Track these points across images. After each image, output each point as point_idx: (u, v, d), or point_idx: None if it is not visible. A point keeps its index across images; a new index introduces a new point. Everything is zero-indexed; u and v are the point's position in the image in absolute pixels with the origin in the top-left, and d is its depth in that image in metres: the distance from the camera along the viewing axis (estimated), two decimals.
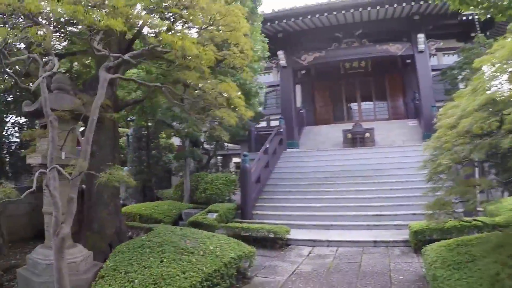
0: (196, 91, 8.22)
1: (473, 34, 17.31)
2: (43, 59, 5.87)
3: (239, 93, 8.16)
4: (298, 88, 23.00)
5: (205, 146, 19.40)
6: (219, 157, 25.10)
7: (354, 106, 23.75)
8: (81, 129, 9.49)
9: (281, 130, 18.29)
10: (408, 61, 20.22)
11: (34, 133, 7.61)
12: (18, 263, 7.86)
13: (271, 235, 10.46)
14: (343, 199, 12.95)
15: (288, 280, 7.46)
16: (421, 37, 17.95)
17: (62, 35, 9.43)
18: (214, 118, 8.64)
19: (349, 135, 18.80)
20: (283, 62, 19.56)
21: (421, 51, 18.24)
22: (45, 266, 6.31)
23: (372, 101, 23.21)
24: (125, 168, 20.52)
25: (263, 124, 21.59)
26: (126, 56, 6.64)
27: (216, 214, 12.55)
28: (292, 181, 15.08)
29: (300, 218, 12.38)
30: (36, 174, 4.90)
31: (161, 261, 6.41)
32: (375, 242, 10.00)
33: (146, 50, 7.24)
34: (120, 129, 23.60)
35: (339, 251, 9.63)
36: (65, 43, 10.67)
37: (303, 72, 23.50)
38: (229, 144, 22.16)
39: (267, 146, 16.11)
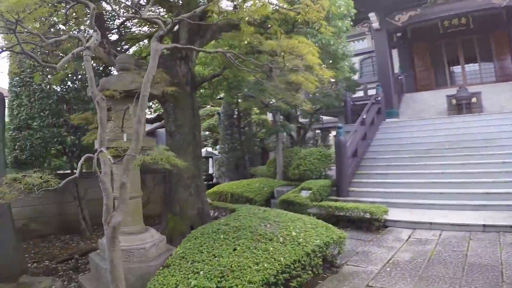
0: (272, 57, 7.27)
1: None
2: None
3: (319, 55, 7.02)
4: (394, 52, 21.06)
5: (301, 120, 18.34)
6: (317, 131, 24.19)
7: (456, 69, 21.48)
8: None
9: (379, 98, 16.87)
10: None
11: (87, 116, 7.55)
12: (97, 247, 7.58)
13: (367, 216, 9.35)
14: (447, 174, 11.48)
15: (381, 271, 6.34)
16: None
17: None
18: (290, 84, 7.60)
19: (454, 101, 16.94)
20: (375, 24, 17.85)
21: None
22: None
23: (477, 62, 20.73)
24: (217, 146, 20.28)
25: (360, 94, 20.09)
26: (185, 16, 5.86)
27: (309, 191, 11.70)
28: (391, 154, 13.75)
29: (399, 196, 11.16)
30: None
31: (234, 249, 5.64)
32: (484, 226, 8.42)
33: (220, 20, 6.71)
34: (212, 108, 23.49)
35: (443, 236, 8.24)
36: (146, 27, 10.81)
37: (399, 34, 21.46)
38: (326, 117, 21.20)
39: (364, 117, 14.83)
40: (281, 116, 16.40)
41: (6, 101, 10.08)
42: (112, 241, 4.24)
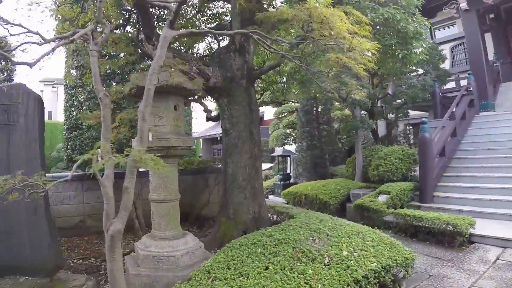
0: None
1: None
2: None
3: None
4: (488, 37, 18.47)
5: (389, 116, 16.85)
6: (409, 127, 22.51)
7: None
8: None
9: (470, 88, 14.96)
10: None
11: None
12: None
13: (450, 228, 7.98)
14: None
15: None
16: None
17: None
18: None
19: None
20: (463, 4, 15.68)
21: None
22: (143, 257, 5.95)
23: None
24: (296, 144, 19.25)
25: (452, 85, 18.13)
26: None
27: (387, 196, 10.53)
28: (485, 154, 12.00)
29: (493, 205, 9.56)
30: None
31: (266, 268, 4.77)
32: None
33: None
34: (292, 104, 22.52)
35: None
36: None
37: (491, 16, 19.00)
38: (418, 112, 19.61)
39: (453, 110, 13.17)
40: (363, 112, 15.16)
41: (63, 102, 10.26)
42: (111, 250, 3.92)
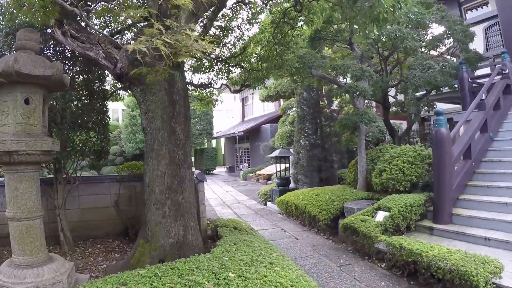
0: None
1: None
2: None
3: None
4: None
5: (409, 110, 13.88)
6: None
7: None
8: None
9: (506, 71, 11.75)
10: None
11: None
12: None
13: (459, 279, 5.11)
14: None
15: None
16: None
17: None
18: None
19: None
20: None
21: None
22: None
23: None
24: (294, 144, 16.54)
25: (486, 71, 14.82)
26: None
27: (387, 213, 7.89)
28: None
29: None
30: None
31: None
32: None
33: None
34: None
35: None
36: None
37: None
38: (450, 106, 16.97)
39: (483, 97, 10.17)
40: (371, 102, 12.41)
41: None
42: None
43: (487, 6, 17.66)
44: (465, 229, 7.37)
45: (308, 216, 10.47)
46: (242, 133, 29.66)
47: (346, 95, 12.67)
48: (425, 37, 12.74)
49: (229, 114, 51.25)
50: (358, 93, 10.80)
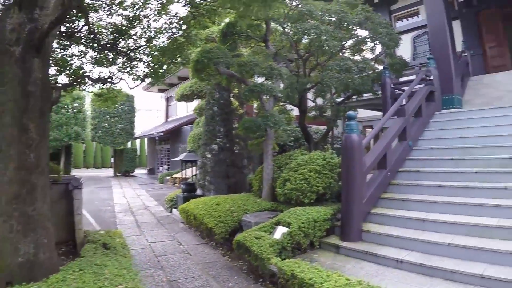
0: None
1: None
2: None
3: None
4: (456, 25, 16.09)
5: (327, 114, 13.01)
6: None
7: None
8: None
9: (431, 77, 11.25)
10: None
11: None
12: None
13: None
14: None
15: None
16: None
17: None
18: None
19: None
20: None
21: None
22: None
23: None
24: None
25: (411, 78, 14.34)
26: None
27: (286, 229, 6.78)
28: (446, 166, 8.25)
29: (453, 253, 5.77)
30: None
31: None
32: None
33: None
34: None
35: None
36: None
37: (461, 0, 16.60)
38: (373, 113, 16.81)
39: (403, 103, 9.39)
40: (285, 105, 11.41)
41: None
42: None
43: (418, 17, 17.97)
44: (376, 248, 6.43)
45: (205, 228, 9.22)
46: (162, 133, 28.15)
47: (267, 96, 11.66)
48: (348, 39, 12.07)
49: (158, 114, 49.65)
50: (265, 93, 9.71)
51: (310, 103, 12.85)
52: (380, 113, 15.41)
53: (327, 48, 9.99)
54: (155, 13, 8.96)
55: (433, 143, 9.45)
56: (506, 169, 7.30)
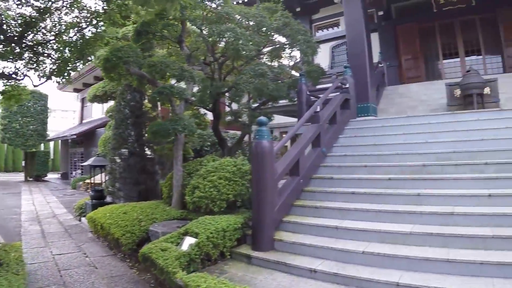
0: None
1: None
2: None
3: None
4: (374, 37, 16.62)
5: (243, 119, 12.79)
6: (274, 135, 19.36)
7: (454, 56, 17.02)
8: None
9: (347, 85, 11.35)
10: None
11: None
12: None
13: None
14: (462, 217, 6.03)
15: None
16: None
17: None
18: None
19: (458, 92, 11.77)
20: None
21: None
22: None
23: (480, 47, 16.32)
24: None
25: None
26: None
27: (194, 240, 6.37)
28: (359, 173, 8.24)
29: (367, 261, 5.66)
30: None
31: None
32: None
33: None
34: None
35: None
36: None
37: (381, 13, 17.64)
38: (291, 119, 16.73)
39: (317, 110, 9.25)
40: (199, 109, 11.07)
41: None
42: None
43: (338, 27, 18.60)
44: (289, 257, 6.19)
45: (112, 238, 8.61)
46: (75, 136, 26.58)
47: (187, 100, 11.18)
48: (266, 44, 11.90)
49: (75, 115, 47.28)
50: (175, 96, 9.29)
51: (228, 108, 12.58)
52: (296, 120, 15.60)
53: (243, 52, 9.74)
54: (68, 5, 8.35)
55: (347, 150, 9.46)
56: (419, 175, 7.41)
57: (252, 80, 9.90)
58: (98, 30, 8.37)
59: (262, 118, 7.15)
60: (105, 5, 7.92)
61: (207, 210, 7.73)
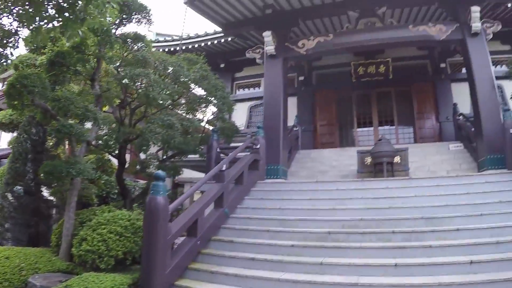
0: None
1: None
2: None
3: None
4: (293, 100, 17.54)
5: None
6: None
7: (368, 124, 17.85)
8: None
9: (258, 146, 11.29)
10: (443, 65, 16.70)
11: None
12: None
13: None
14: None
15: None
16: (475, 11, 11.34)
17: None
18: None
19: (368, 160, 12.06)
20: (270, 48, 12.88)
21: (475, 33, 11.59)
22: None
23: (393, 117, 17.42)
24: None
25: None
26: None
27: None
28: (262, 238, 7.94)
29: None
30: None
31: None
32: None
33: None
34: None
35: None
36: None
37: (302, 78, 18.24)
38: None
39: (223, 168, 9.00)
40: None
41: None
42: None
43: (259, 88, 18.57)
44: None
45: None
46: None
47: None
48: (182, 94, 11.69)
49: None
50: (74, 136, 8.72)
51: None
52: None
53: (159, 101, 9.49)
54: None
55: (251, 212, 9.18)
56: (324, 243, 7.25)
57: (160, 130, 9.55)
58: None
59: (159, 172, 6.78)
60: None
61: (93, 266, 7.11)
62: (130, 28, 27.12)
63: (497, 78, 12.02)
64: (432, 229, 7.18)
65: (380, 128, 17.21)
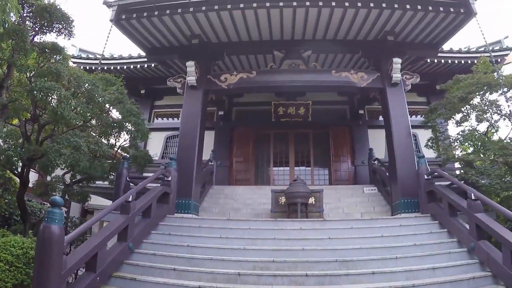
0: None
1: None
2: None
3: None
4: (211, 135, 17.45)
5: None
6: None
7: (285, 164, 18.22)
8: None
9: (169, 178, 10.84)
10: (361, 112, 17.81)
11: None
12: None
13: None
14: None
15: None
16: (397, 62, 12.23)
17: None
18: None
19: (283, 199, 12.06)
20: (192, 78, 12.61)
21: (395, 84, 12.44)
22: None
23: (310, 159, 18.08)
24: None
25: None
26: None
27: None
28: (167, 276, 7.37)
29: None
30: None
31: None
32: None
33: None
34: None
35: None
36: None
37: (221, 113, 18.30)
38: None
39: (129, 199, 8.39)
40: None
41: None
42: None
43: (178, 118, 18.27)
44: None
45: None
46: None
47: None
48: (96, 115, 11.24)
49: None
50: None
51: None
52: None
53: (69, 119, 8.88)
54: None
55: (158, 248, 8.61)
56: (233, 285, 6.88)
57: (66, 151, 8.84)
58: None
59: (56, 198, 6.06)
60: None
61: None
62: (50, 37, 26.12)
63: (413, 127, 12.58)
64: (346, 272, 7.11)
65: (296, 168, 17.52)
